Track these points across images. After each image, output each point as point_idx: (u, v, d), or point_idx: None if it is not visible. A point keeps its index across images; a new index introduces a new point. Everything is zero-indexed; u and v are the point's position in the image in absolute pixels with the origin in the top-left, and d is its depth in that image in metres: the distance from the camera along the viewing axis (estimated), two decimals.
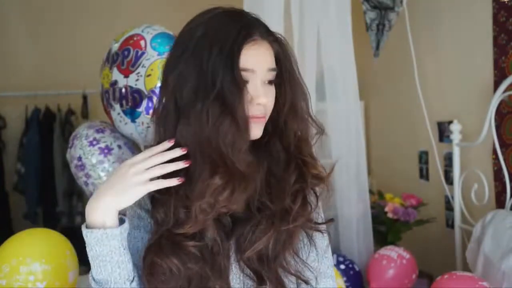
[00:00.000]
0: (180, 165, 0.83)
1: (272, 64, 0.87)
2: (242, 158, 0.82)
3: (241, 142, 0.82)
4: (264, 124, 0.88)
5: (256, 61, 0.84)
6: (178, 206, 0.84)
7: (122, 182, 0.82)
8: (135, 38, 1.58)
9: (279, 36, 0.90)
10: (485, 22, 2.26)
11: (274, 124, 0.91)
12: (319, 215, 0.96)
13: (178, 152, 0.83)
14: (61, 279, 1.35)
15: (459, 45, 2.45)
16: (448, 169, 2.51)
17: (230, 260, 0.88)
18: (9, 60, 3.52)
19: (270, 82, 0.87)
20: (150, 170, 0.82)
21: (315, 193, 0.94)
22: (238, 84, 0.80)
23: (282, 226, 0.86)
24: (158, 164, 0.83)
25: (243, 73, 0.82)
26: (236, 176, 0.81)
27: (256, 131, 0.86)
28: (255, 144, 0.90)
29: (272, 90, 0.87)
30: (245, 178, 0.82)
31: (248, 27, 0.84)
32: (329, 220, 0.97)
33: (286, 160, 0.91)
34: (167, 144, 0.84)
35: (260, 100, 0.84)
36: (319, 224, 0.94)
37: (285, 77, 0.89)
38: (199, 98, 0.80)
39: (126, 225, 0.85)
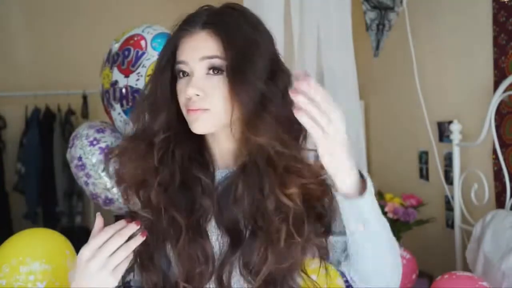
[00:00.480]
0: (139, 239, 0.80)
1: (206, 52, 0.82)
2: (151, 128, 0.87)
3: (153, 122, 0.87)
4: (209, 118, 0.83)
5: (187, 52, 0.84)
6: None
7: (89, 281, 0.78)
8: (135, 38, 1.58)
9: (223, 25, 0.83)
10: (485, 22, 2.26)
11: (242, 133, 0.86)
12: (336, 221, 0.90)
13: (134, 226, 0.81)
14: (61, 279, 1.35)
15: (459, 45, 2.45)
16: (448, 169, 2.51)
17: (232, 266, 0.86)
18: (9, 60, 3.52)
19: (216, 72, 0.83)
20: (113, 256, 0.78)
21: (322, 204, 0.87)
22: (155, 72, 0.89)
23: (282, 264, 0.84)
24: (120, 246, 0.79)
25: (180, 66, 0.85)
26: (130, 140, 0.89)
27: (197, 126, 0.84)
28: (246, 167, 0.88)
29: (215, 81, 0.83)
30: (135, 143, 0.88)
31: (185, 22, 0.87)
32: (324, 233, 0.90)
33: (263, 180, 0.85)
34: (123, 222, 0.81)
35: (186, 93, 0.82)
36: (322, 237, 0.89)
37: (227, 68, 0.82)
38: None
39: None
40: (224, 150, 0.91)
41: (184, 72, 0.85)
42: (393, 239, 0.85)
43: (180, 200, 0.88)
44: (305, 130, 0.84)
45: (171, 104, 0.87)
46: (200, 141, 0.91)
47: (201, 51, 0.83)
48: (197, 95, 0.82)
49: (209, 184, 0.89)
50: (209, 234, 0.87)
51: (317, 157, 0.87)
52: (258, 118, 0.82)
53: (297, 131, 0.86)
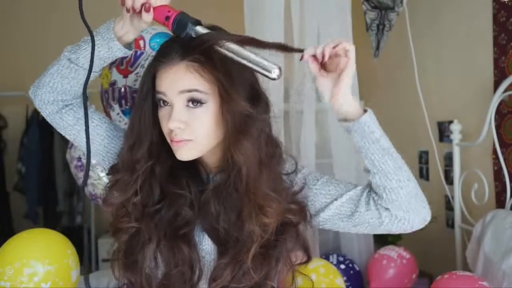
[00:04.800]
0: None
1: (185, 86, 0.84)
2: (131, 159, 0.90)
3: (137, 151, 0.90)
4: (192, 147, 0.87)
5: (166, 84, 0.86)
6: None
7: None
8: None
9: (202, 56, 0.84)
10: (485, 22, 2.26)
11: (225, 158, 0.90)
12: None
13: None
14: (64, 279, 1.35)
15: (459, 45, 2.45)
16: (448, 169, 2.51)
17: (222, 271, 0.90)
18: (9, 60, 3.52)
19: (196, 104, 0.85)
20: None
21: (297, 230, 0.93)
22: (137, 101, 0.92)
23: (246, 280, 0.88)
24: None
25: (160, 95, 0.88)
26: (120, 172, 0.92)
27: (180, 154, 0.88)
28: (219, 187, 0.92)
29: (195, 113, 0.85)
30: (125, 175, 0.91)
31: (162, 53, 0.89)
32: (304, 262, 0.97)
33: (239, 204, 0.88)
34: None
35: (168, 125, 0.85)
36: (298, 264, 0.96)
37: (217, 98, 0.85)
38: None
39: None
40: (206, 164, 0.96)
41: (164, 101, 0.88)
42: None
43: (160, 213, 0.92)
44: (280, 154, 0.92)
45: (153, 131, 0.91)
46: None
47: (180, 84, 0.85)
48: (179, 127, 0.85)
49: (189, 197, 0.93)
50: (198, 240, 0.92)
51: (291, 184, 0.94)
52: (240, 138, 0.84)
53: (274, 154, 0.91)
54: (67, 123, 0.97)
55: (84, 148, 0.95)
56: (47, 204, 3.36)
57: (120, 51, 0.92)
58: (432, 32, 2.62)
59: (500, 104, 2.15)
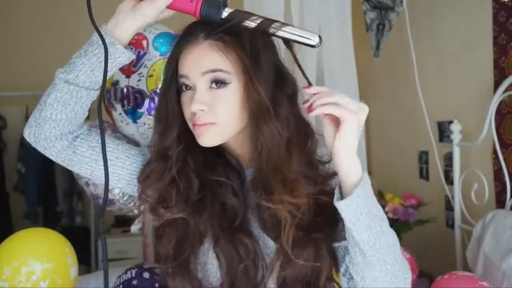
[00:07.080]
0: None
1: (209, 66, 0.80)
2: (162, 146, 0.87)
3: (166, 138, 0.87)
4: (215, 131, 0.82)
5: (188, 65, 0.82)
6: None
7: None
8: (136, 37, 1.57)
9: (227, 35, 0.80)
10: (485, 22, 2.26)
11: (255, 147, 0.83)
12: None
13: None
14: (63, 277, 1.35)
15: (459, 45, 2.46)
16: (448, 169, 2.52)
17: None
18: (10, 60, 3.52)
19: (219, 85, 0.80)
20: None
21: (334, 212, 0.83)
22: (163, 87, 0.87)
23: (292, 269, 0.83)
24: None
25: (182, 79, 0.83)
26: (156, 160, 0.88)
27: (203, 139, 0.82)
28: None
29: (219, 94, 0.80)
30: (160, 164, 0.87)
31: (187, 31, 0.84)
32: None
33: (271, 187, 0.82)
34: None
35: (191, 108, 0.81)
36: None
37: (241, 78, 0.80)
38: None
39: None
40: (237, 153, 0.90)
41: (186, 86, 0.83)
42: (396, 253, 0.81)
43: (204, 205, 0.86)
44: (313, 136, 0.85)
45: (181, 117, 0.86)
46: (214, 147, 0.88)
47: (203, 65, 0.80)
48: (202, 110, 0.80)
49: (233, 185, 0.87)
50: (258, 234, 0.86)
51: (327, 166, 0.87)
52: (267, 120, 0.79)
53: (305, 136, 0.84)
54: (82, 155, 0.88)
55: (103, 180, 0.86)
56: (47, 204, 3.36)
57: (123, 55, 0.84)
58: (432, 32, 2.63)
59: (500, 104, 2.15)
